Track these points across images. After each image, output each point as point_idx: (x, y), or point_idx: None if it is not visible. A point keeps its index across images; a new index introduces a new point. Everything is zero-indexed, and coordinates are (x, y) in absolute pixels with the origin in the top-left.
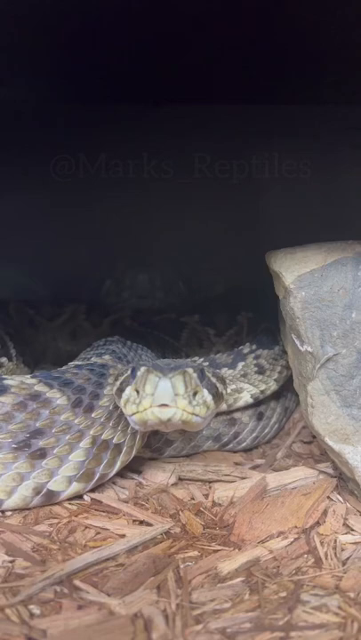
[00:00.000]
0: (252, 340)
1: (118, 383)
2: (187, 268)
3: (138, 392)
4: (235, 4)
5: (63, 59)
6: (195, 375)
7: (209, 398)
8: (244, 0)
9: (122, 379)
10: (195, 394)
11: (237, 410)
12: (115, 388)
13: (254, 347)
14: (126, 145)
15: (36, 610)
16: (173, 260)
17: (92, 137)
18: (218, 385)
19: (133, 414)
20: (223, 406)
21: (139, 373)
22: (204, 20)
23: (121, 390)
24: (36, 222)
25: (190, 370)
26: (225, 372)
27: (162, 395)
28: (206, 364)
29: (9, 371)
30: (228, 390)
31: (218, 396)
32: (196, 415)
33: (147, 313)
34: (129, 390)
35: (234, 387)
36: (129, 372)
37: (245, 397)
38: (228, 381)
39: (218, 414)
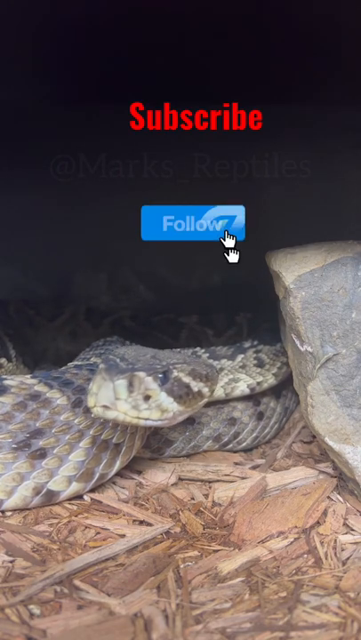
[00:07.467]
0: (254, 336)
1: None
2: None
3: None
4: (236, 4)
5: (63, 59)
6: (148, 379)
7: (168, 401)
8: (244, 2)
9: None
10: (147, 397)
11: (235, 399)
12: None
13: (256, 342)
14: (126, 145)
15: (36, 610)
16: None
17: (92, 137)
18: (193, 384)
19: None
20: (221, 394)
21: (97, 369)
22: (204, 21)
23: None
24: (35, 222)
25: (142, 374)
26: (224, 362)
27: (103, 396)
28: (206, 354)
29: (8, 371)
30: (226, 380)
31: (188, 397)
32: (146, 419)
33: (146, 313)
34: (91, 383)
35: (231, 377)
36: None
37: (242, 387)
38: (226, 372)
39: (218, 414)
